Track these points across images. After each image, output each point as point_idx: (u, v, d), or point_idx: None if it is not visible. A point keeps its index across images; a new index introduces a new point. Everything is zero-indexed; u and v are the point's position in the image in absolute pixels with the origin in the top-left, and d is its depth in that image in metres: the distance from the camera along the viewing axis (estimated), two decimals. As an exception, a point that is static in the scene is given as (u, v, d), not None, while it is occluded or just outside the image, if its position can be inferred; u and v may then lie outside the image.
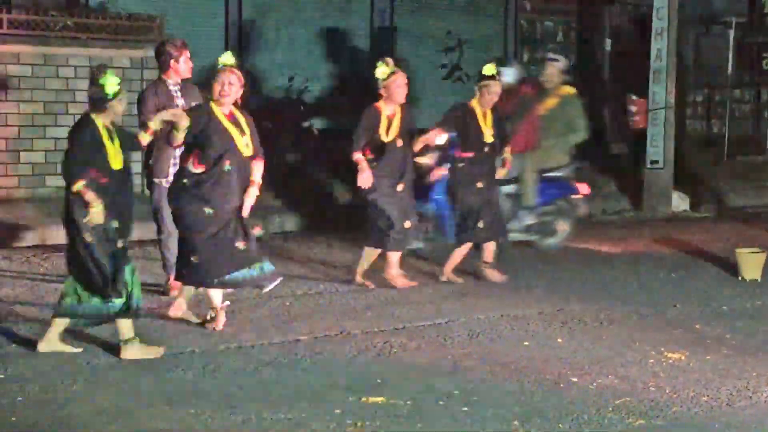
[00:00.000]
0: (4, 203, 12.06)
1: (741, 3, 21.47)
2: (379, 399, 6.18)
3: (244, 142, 7.83)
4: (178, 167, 8.06)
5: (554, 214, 11.76)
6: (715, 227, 14.20)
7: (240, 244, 7.81)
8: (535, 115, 11.71)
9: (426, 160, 10.16)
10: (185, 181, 7.82)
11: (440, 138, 9.84)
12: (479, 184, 9.73)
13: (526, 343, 7.62)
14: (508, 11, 19.66)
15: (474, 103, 9.76)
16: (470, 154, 9.70)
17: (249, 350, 7.26)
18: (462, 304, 8.90)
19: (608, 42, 20.98)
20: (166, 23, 13.44)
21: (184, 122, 7.61)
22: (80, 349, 7.08)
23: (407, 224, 9.51)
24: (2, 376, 6.51)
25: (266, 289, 8.09)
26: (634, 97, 17.17)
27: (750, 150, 20.83)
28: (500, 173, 9.98)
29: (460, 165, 9.75)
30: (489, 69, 9.75)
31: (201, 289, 8.66)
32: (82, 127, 7.15)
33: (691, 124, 21.52)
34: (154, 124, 7.47)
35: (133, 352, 7.02)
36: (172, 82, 8.93)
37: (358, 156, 9.36)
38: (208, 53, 15.51)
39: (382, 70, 9.41)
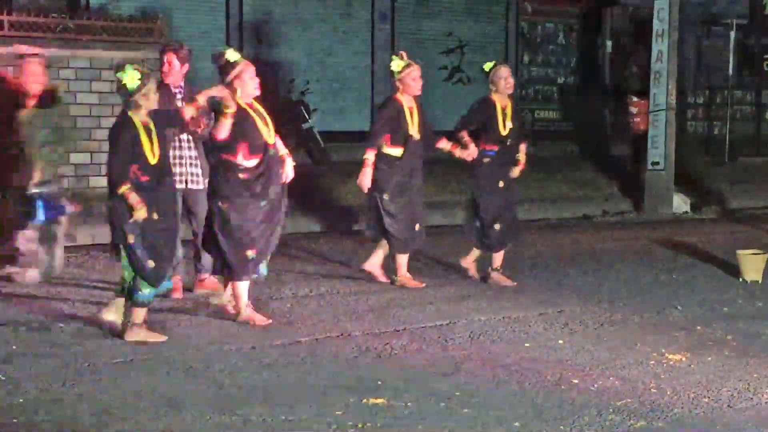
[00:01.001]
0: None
1: (742, 5, 21.48)
2: (380, 400, 6.18)
3: (268, 131, 8.05)
4: (220, 163, 8.03)
5: (39, 238, 9.47)
6: (716, 228, 14.21)
7: (278, 232, 8.21)
8: (16, 120, 9.40)
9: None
10: (241, 176, 7.98)
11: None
12: (501, 183, 9.78)
13: (526, 345, 7.62)
14: (509, 13, 19.68)
15: (494, 96, 9.80)
16: (495, 147, 9.74)
17: (250, 351, 7.26)
18: (463, 306, 8.89)
19: (609, 43, 21.01)
20: (167, 25, 13.45)
21: (229, 102, 7.82)
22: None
23: (417, 227, 9.57)
24: (3, 378, 6.51)
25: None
26: (634, 99, 17.18)
27: (751, 151, 20.84)
28: (514, 173, 9.90)
29: (485, 160, 9.75)
30: (488, 66, 9.86)
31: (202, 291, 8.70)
32: (120, 127, 7.41)
33: (692, 126, 21.53)
34: (201, 98, 7.69)
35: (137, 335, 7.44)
36: (173, 84, 8.93)
37: (369, 155, 9.35)
38: (208, 56, 15.55)
39: (396, 63, 9.48)
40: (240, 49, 16.00)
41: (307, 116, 16.18)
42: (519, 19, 19.92)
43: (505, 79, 9.74)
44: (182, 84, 8.92)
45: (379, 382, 6.54)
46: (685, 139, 19.08)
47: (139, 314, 7.47)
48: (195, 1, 15.95)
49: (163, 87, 8.88)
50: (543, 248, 12.17)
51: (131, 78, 7.35)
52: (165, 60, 8.88)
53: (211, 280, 9.02)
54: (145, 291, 7.41)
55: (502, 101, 9.77)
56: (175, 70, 8.87)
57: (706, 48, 21.91)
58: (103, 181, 12.71)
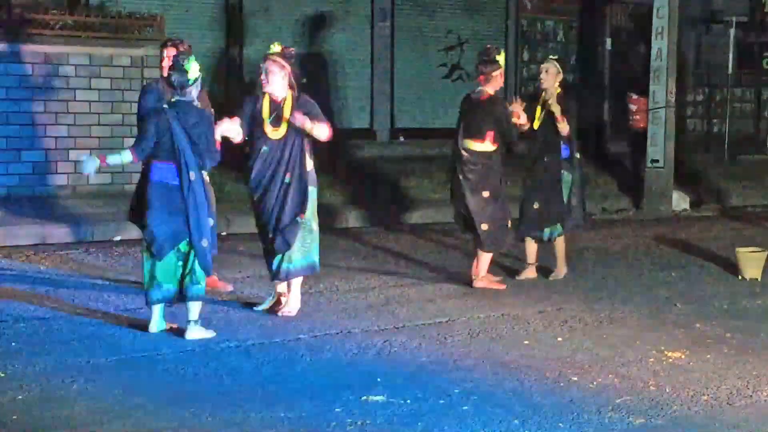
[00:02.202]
0: (5, 202, 12.06)
1: (741, 2, 21.47)
2: (380, 398, 6.18)
3: (272, 126, 8.12)
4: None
5: None
6: (716, 226, 14.21)
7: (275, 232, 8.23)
8: None
9: None
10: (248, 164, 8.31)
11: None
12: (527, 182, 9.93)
13: (526, 342, 7.62)
14: (508, 10, 19.66)
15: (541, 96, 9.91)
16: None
17: (249, 349, 7.26)
18: (462, 304, 8.89)
19: (608, 41, 20.99)
20: (167, 21, 13.45)
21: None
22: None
23: (509, 225, 9.58)
24: (2, 375, 6.51)
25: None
26: (634, 96, 17.17)
27: (750, 149, 20.84)
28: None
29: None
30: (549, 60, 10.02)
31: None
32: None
33: (691, 123, 21.53)
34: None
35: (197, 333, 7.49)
36: (173, 81, 8.91)
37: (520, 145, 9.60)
38: (208, 51, 15.54)
39: (503, 58, 9.46)
40: (240, 46, 16.07)
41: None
42: (519, 17, 19.90)
43: (540, 74, 9.89)
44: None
45: (379, 380, 6.54)
46: (684, 136, 19.06)
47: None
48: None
49: (163, 82, 8.88)
50: (541, 246, 12.16)
51: (195, 70, 7.50)
52: (165, 55, 8.86)
53: (210, 278, 8.99)
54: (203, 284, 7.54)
55: (548, 96, 9.80)
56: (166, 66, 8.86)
57: (705, 46, 21.89)
58: (102, 178, 12.80)
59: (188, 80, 7.47)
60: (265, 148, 8.13)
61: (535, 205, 9.85)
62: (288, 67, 8.16)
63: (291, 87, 8.19)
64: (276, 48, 8.21)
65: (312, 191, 8.32)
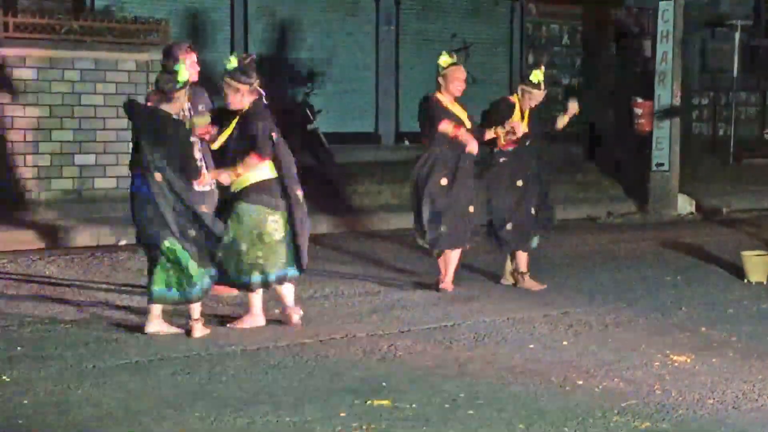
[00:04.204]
0: (10, 206, 12.07)
1: (746, 6, 21.49)
2: (385, 402, 6.18)
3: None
4: None
5: None
6: (721, 230, 14.19)
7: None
8: None
9: None
10: None
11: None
12: (519, 183, 9.70)
13: (531, 346, 7.62)
14: (513, 14, 19.68)
15: (515, 99, 9.74)
16: (511, 146, 9.65)
17: (255, 353, 7.26)
18: (467, 308, 8.89)
19: (613, 45, 21.00)
20: (171, 26, 13.47)
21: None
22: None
23: (443, 228, 9.46)
24: (8, 379, 6.52)
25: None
26: (639, 100, 17.17)
27: (755, 153, 20.83)
28: (559, 122, 9.86)
29: (501, 160, 9.68)
30: (536, 76, 9.69)
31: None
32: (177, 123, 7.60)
33: (696, 127, 21.52)
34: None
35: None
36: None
37: (444, 126, 9.30)
38: (213, 56, 15.57)
39: (444, 59, 9.44)
40: (245, 50, 16.09)
41: (312, 117, 16.18)
42: (524, 21, 19.92)
43: (536, 100, 9.73)
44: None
45: (384, 384, 6.54)
46: (689, 140, 19.06)
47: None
48: (199, 3, 15.97)
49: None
50: (547, 250, 12.16)
51: (183, 73, 7.46)
52: (178, 60, 8.83)
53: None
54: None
55: (521, 107, 9.69)
56: None
57: (710, 49, 21.90)
58: (107, 182, 12.82)
59: (177, 83, 7.44)
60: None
61: (531, 211, 9.82)
62: (243, 87, 7.80)
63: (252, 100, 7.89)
64: (233, 63, 7.87)
65: (246, 210, 7.91)
